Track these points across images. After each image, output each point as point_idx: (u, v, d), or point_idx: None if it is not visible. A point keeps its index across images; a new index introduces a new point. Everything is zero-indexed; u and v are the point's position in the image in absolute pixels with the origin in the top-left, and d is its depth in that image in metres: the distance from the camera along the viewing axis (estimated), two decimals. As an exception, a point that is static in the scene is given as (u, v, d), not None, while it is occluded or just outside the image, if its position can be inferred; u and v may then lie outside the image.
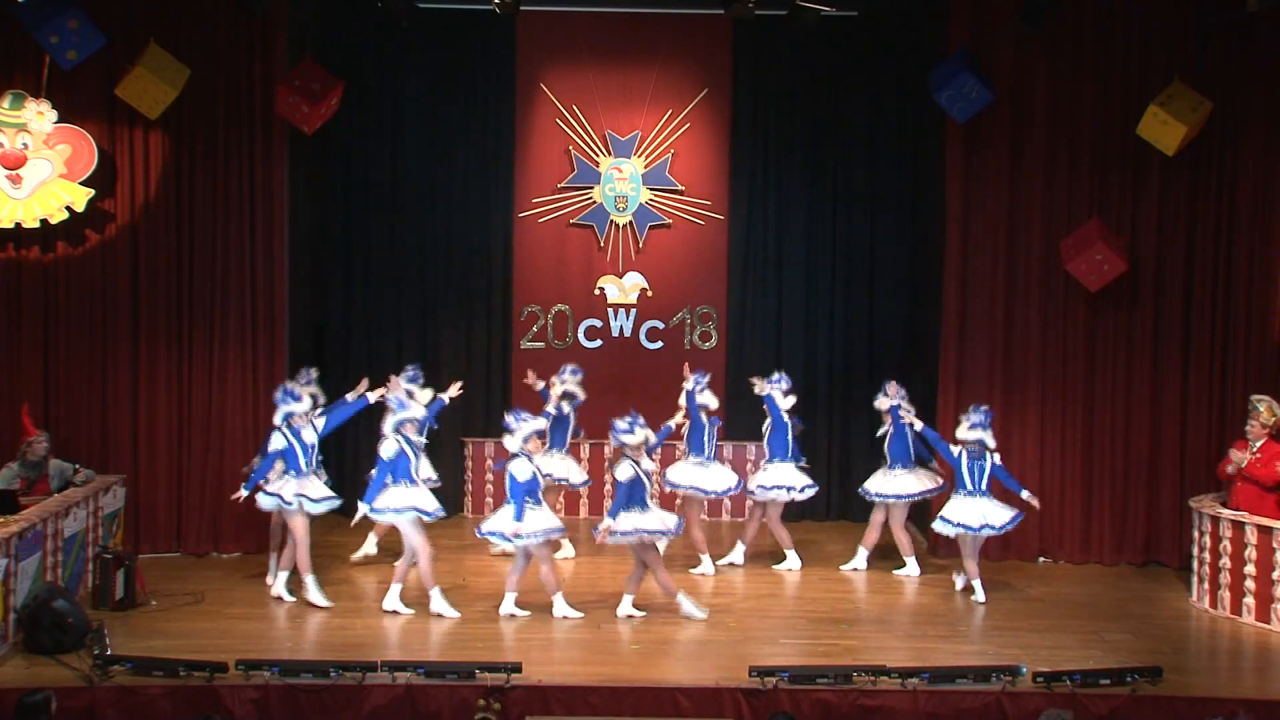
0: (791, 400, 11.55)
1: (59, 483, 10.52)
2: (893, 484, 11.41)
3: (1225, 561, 10.34)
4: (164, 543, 11.82)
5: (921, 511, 12.10)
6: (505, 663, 8.54)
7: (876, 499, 11.46)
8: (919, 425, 11.14)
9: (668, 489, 11.90)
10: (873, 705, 8.41)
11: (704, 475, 11.51)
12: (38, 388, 11.62)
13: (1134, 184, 11.92)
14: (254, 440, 11.42)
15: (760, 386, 11.58)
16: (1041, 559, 12.14)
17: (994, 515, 10.62)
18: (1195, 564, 10.74)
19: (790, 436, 11.49)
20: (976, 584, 10.67)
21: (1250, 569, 10.13)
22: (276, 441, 10.26)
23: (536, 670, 8.61)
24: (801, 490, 11.52)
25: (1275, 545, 9.94)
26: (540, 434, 10.40)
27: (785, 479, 11.48)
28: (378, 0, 11.72)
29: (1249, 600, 10.17)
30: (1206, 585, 10.56)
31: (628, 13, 13.53)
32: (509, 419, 10.12)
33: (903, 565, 11.49)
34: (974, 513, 10.58)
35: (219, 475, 11.68)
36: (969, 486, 10.63)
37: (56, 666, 8.68)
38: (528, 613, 10.00)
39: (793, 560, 11.62)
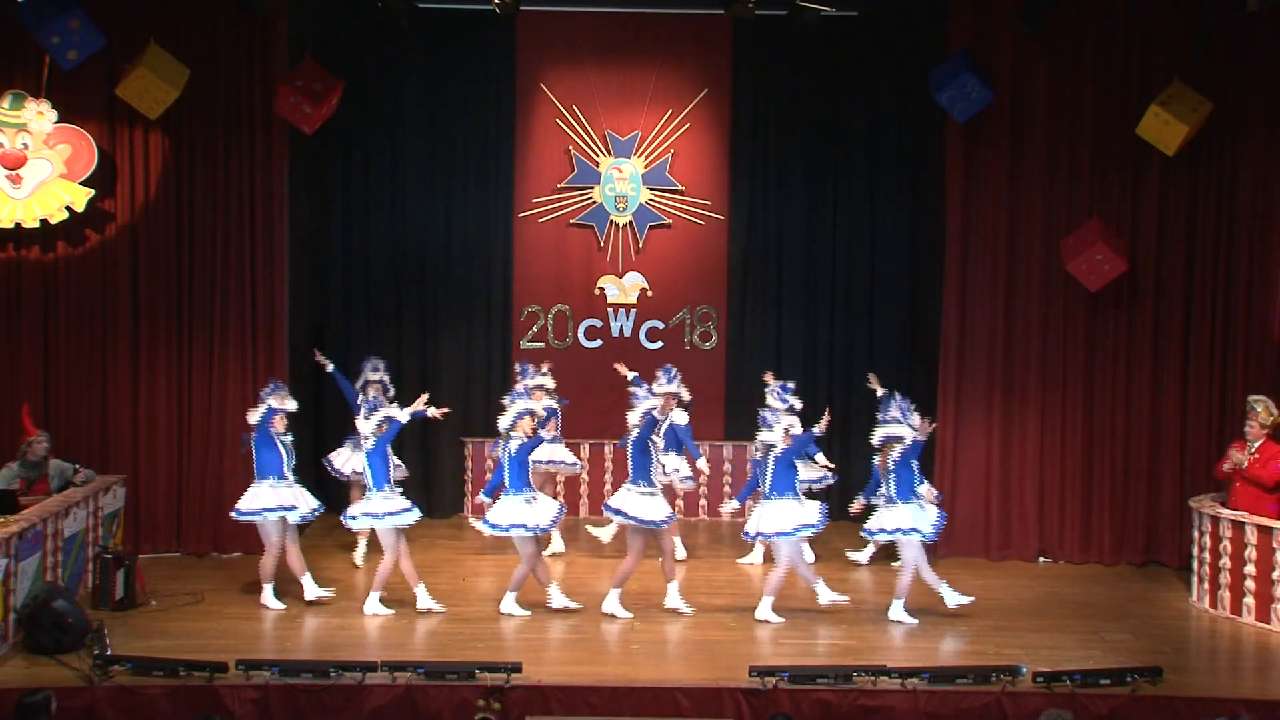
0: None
1: (59, 483, 10.51)
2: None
3: (1225, 561, 10.33)
4: (164, 543, 11.81)
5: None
6: (505, 663, 8.54)
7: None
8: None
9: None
10: (873, 705, 8.42)
11: None
12: (38, 388, 11.63)
13: (1134, 184, 11.92)
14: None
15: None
16: (1041, 559, 12.14)
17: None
18: (1195, 564, 10.74)
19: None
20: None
21: (1250, 569, 10.13)
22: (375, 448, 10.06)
23: (536, 670, 8.61)
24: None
25: (1275, 545, 9.93)
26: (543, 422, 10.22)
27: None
28: (378, 0, 11.72)
29: (1249, 600, 10.17)
30: (1206, 585, 10.56)
31: (628, 13, 13.52)
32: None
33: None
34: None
35: (219, 475, 11.67)
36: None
37: (56, 666, 8.68)
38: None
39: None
